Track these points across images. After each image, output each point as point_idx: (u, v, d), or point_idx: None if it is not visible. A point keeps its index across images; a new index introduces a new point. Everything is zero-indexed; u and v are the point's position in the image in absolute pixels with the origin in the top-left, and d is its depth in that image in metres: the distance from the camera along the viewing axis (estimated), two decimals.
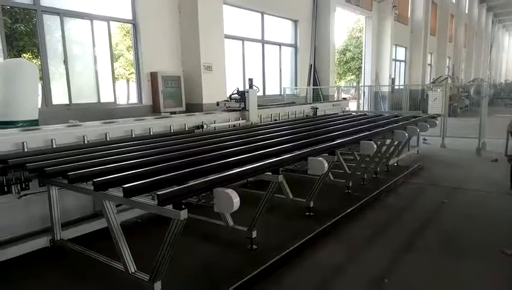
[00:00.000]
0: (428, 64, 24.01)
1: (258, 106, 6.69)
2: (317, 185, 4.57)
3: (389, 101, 16.65)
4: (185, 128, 5.52)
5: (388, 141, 5.99)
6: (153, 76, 7.86)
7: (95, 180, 2.70)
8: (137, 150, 3.87)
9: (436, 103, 14.65)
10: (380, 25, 17.55)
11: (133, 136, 4.76)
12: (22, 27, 6.84)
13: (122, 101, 7.73)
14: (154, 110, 7.89)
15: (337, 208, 4.79)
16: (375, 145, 4.61)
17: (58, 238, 3.72)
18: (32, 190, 3.69)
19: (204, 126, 5.65)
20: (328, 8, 12.91)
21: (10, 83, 5.00)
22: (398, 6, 18.19)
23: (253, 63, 11.20)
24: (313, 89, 12.89)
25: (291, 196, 4.80)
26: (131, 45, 8.41)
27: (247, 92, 6.44)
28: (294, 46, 12.78)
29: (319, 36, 13.10)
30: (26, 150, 3.72)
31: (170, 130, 5.28)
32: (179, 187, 2.46)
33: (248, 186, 5.63)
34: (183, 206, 2.43)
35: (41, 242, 3.71)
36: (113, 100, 7.48)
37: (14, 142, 3.70)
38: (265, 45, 11.56)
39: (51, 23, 6.53)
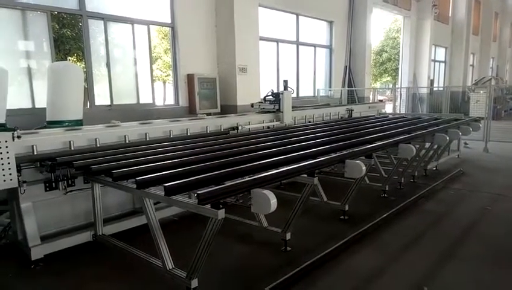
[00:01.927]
0: (470, 65, 23.01)
1: (292, 107, 6.68)
2: (353, 189, 4.50)
3: (428, 103, 16.11)
4: (221, 129, 5.61)
5: (427, 145, 5.80)
6: (190, 78, 8.04)
7: (137, 178, 2.80)
8: (176, 150, 3.98)
9: (478, 106, 14.01)
10: (419, 24, 17.02)
11: (171, 136, 4.89)
12: (69, 32, 7.22)
13: (158, 102, 7.95)
14: (190, 111, 8.07)
15: (372, 212, 4.70)
16: (414, 149, 4.48)
17: (100, 233, 3.89)
18: (78, 186, 3.89)
19: (239, 127, 5.70)
20: (365, 9, 12.68)
21: (57, 85, 5.30)
22: (439, 5, 17.55)
23: (287, 65, 11.19)
24: (348, 90, 12.69)
25: (325, 199, 4.76)
26: (168, 48, 8.65)
27: (282, 93, 6.44)
28: (329, 47, 12.66)
29: (354, 37, 12.90)
30: (72, 148, 3.92)
31: (206, 131, 5.38)
32: (218, 187, 2.51)
33: (281, 187, 5.63)
34: (221, 206, 2.48)
35: (85, 236, 3.89)
36: (151, 101, 7.72)
37: (62, 141, 3.91)
38: (299, 46, 11.52)
39: (95, 28, 6.84)
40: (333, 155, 3.72)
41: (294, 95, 11.46)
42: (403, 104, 15.19)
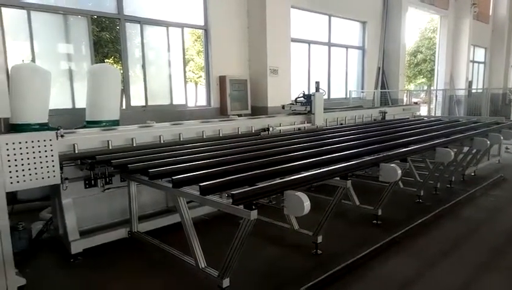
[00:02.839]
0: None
1: (323, 109, 6.61)
2: (387, 193, 4.40)
3: (465, 106, 15.48)
4: (252, 130, 5.64)
5: (466, 149, 5.57)
6: (222, 79, 8.14)
7: (173, 177, 2.87)
8: (209, 151, 4.04)
9: None
10: (457, 24, 16.39)
11: (204, 137, 4.97)
12: (107, 35, 7.51)
13: (190, 103, 8.11)
14: (222, 112, 8.17)
15: (407, 218, 4.57)
16: (452, 153, 4.32)
17: (136, 230, 4.01)
18: (115, 184, 4.03)
19: (270, 129, 5.71)
20: (400, 8, 12.38)
21: (97, 86, 5.52)
22: (478, 3, 16.84)
23: (318, 66, 11.10)
24: (381, 92, 12.42)
25: (357, 203, 4.68)
26: (201, 50, 8.80)
27: (313, 95, 6.39)
28: (362, 48, 12.44)
29: (388, 37, 12.62)
30: (110, 147, 4.06)
31: (238, 132, 5.43)
32: (252, 188, 2.53)
33: (311, 190, 5.57)
34: (254, 207, 2.49)
35: (121, 233, 4.02)
36: (184, 102, 7.88)
37: (101, 140, 4.06)
38: (331, 47, 11.40)
39: (131, 31, 7.07)
40: (367, 158, 3.65)
41: (326, 96, 11.37)
42: (439, 107, 14.68)
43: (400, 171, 3.43)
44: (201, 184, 2.61)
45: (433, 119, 8.05)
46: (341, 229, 4.39)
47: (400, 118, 8.06)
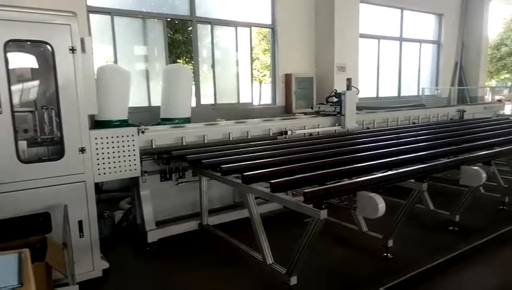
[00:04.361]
0: None
1: (392, 108, 6.25)
2: (466, 198, 4.08)
3: None
4: (318, 127, 5.56)
5: None
6: (287, 78, 8.16)
7: (244, 174, 2.94)
8: (277, 148, 4.08)
9: None
10: None
11: (271, 134, 5.01)
12: (180, 36, 7.92)
13: (255, 102, 8.24)
14: (287, 110, 8.19)
15: (488, 226, 4.21)
16: None
17: (205, 223, 4.18)
18: (187, 178, 4.24)
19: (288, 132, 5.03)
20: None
21: (171, 85, 5.84)
22: None
23: (388, 63, 10.63)
24: (458, 89, 11.54)
25: (432, 207, 4.40)
26: (266, 49, 8.89)
27: (343, 94, 5.52)
28: (437, 42, 11.65)
29: (468, 30, 11.67)
30: (184, 143, 4.28)
31: (304, 129, 5.39)
32: (324, 187, 2.51)
33: (379, 192, 5.35)
34: (323, 206, 2.46)
35: (192, 225, 4.22)
36: (250, 101, 8.03)
37: (175, 137, 4.29)
38: (403, 42, 10.84)
39: (202, 31, 7.37)
40: (446, 160, 3.42)
41: (395, 94, 10.87)
42: None
43: (484, 175, 3.16)
44: (272, 181, 2.63)
45: None
46: (413, 233, 4.17)
47: (480, 118, 7.42)
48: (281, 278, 2.96)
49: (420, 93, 11.38)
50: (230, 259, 3.66)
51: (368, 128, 6.04)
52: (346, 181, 2.64)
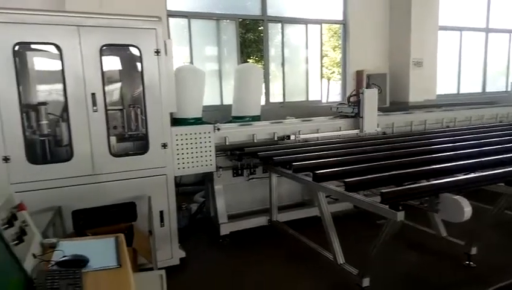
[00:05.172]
0: None
1: (473, 104, 5.69)
2: None
3: None
4: (392, 126, 5.35)
5: None
6: (359, 74, 7.90)
7: (316, 172, 2.94)
8: (346, 147, 4.01)
9: None
10: None
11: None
12: (251, 36, 8.08)
13: (323, 99, 8.13)
14: None
15: None
16: None
17: (275, 219, 4.25)
18: (257, 175, 4.34)
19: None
20: None
21: (243, 84, 6.00)
22: None
23: (471, 55, 9.78)
24: None
25: None
26: (336, 45, 8.70)
27: (362, 93, 4.93)
28: None
29: None
30: (255, 141, 4.38)
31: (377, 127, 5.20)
32: (403, 187, 2.42)
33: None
34: (400, 208, 2.37)
35: (261, 220, 4.32)
36: (319, 98, 7.94)
37: (246, 134, 4.41)
38: (489, 33, 9.89)
39: (272, 30, 7.44)
40: None
41: (479, 90, 10.00)
42: None
43: None
44: (346, 180, 2.60)
45: None
46: (500, 241, 3.83)
47: None
48: (352, 279, 2.91)
49: (509, 89, 10.29)
50: (300, 256, 3.69)
51: (448, 126, 5.65)
52: (425, 182, 2.51)
